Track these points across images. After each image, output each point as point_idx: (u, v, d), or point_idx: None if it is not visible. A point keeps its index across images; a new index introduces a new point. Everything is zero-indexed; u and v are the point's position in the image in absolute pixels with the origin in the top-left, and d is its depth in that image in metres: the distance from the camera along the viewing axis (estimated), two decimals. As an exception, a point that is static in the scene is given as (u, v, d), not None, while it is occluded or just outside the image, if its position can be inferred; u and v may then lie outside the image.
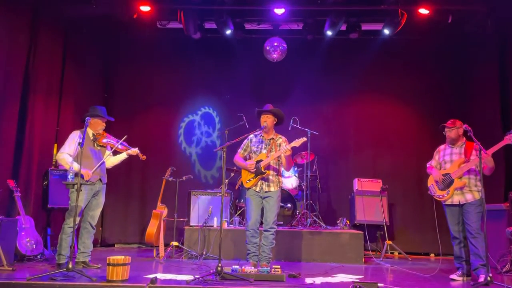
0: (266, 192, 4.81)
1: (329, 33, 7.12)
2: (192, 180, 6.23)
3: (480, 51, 7.08)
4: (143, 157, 5.07)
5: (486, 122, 6.57)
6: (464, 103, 7.32)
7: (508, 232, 5.17)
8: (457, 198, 4.63)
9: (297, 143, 4.72)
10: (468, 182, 4.60)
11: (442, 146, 4.96)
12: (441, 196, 4.73)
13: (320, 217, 6.78)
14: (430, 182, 4.88)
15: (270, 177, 4.83)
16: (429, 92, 7.59)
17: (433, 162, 4.98)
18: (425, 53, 7.64)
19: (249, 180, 4.87)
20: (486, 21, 6.69)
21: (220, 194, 6.08)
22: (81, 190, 4.36)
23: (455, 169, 4.65)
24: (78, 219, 4.57)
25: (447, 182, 4.68)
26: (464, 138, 4.78)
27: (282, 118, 5.00)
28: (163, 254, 5.82)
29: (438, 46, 7.60)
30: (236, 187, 6.52)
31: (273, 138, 4.94)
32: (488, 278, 3.99)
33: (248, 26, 7.51)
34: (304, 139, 4.76)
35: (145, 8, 6.72)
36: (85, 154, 4.65)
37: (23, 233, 5.14)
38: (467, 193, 4.59)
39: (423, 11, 6.49)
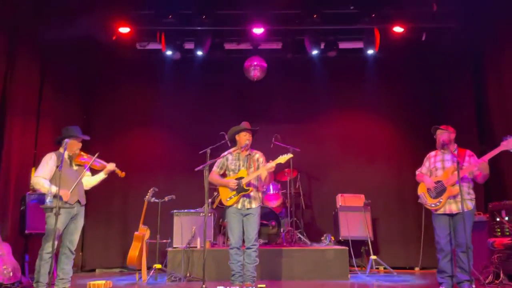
0: (248, 209, 4.81)
1: (308, 51, 7.23)
2: (175, 200, 6.15)
3: (455, 66, 7.28)
4: (122, 174, 4.98)
5: (463, 135, 6.67)
6: (443, 117, 7.41)
7: (490, 244, 5.24)
8: (449, 207, 4.49)
9: (282, 159, 4.74)
10: (461, 190, 4.35)
11: (432, 153, 4.81)
12: (433, 205, 4.57)
13: (305, 234, 6.76)
14: (421, 190, 4.70)
15: (252, 193, 4.83)
16: (408, 108, 7.74)
17: (423, 169, 4.81)
18: (403, 69, 7.83)
19: (229, 198, 4.85)
20: (459, 37, 6.92)
21: (203, 214, 6.05)
22: (60, 214, 4.25)
23: (448, 176, 4.50)
24: (56, 243, 4.45)
25: (439, 190, 4.53)
26: (456, 145, 4.67)
27: (254, 134, 5.09)
28: (146, 277, 5.68)
29: (414, 62, 7.79)
30: (214, 206, 6.46)
31: (249, 154, 4.97)
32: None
33: (227, 46, 7.58)
34: (290, 155, 4.78)
35: (125, 30, 6.74)
36: (62, 176, 4.53)
37: (-1, 260, 4.97)
38: (460, 202, 4.31)
39: (398, 29, 6.67)
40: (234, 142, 5.06)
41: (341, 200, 6.93)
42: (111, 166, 4.92)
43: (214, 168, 4.98)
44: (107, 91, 7.76)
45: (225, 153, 5.00)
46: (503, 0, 5.32)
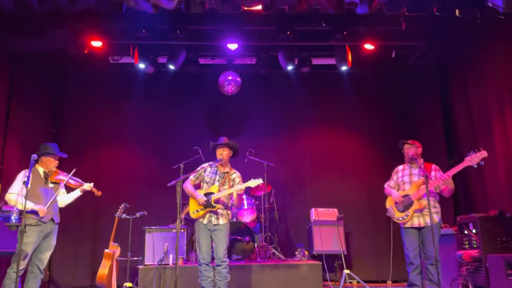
0: (214, 225, 4.77)
1: (282, 67, 7.31)
2: (146, 217, 6.04)
3: (423, 82, 7.53)
4: (98, 193, 4.91)
5: (432, 149, 6.87)
6: (412, 133, 7.63)
7: (458, 256, 5.35)
8: (417, 221, 4.58)
9: (252, 183, 4.74)
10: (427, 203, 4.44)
11: (400, 167, 4.92)
12: (400, 218, 4.66)
13: (278, 249, 6.74)
14: (389, 203, 4.80)
15: (219, 210, 4.80)
16: (379, 123, 7.89)
17: (391, 183, 4.91)
18: (374, 85, 8.00)
19: (196, 211, 4.81)
20: (427, 54, 7.16)
21: (176, 230, 5.96)
22: (25, 232, 4.13)
23: (414, 190, 4.60)
24: (25, 262, 4.31)
25: (406, 204, 4.62)
26: (422, 159, 4.78)
27: (237, 151, 5.04)
28: (116, 296, 5.53)
29: (385, 78, 7.99)
30: (182, 216, 6.36)
31: (227, 172, 4.94)
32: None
33: (202, 61, 7.60)
34: (260, 181, 4.79)
35: (97, 44, 6.64)
36: (35, 193, 4.47)
37: (-40, 281, 4.74)
38: (427, 215, 4.44)
39: (368, 46, 6.82)
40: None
41: (315, 214, 6.97)
42: (87, 187, 4.85)
43: (191, 176, 4.94)
44: (78, 104, 7.61)
45: (205, 164, 4.98)
46: (467, 21, 5.55)
